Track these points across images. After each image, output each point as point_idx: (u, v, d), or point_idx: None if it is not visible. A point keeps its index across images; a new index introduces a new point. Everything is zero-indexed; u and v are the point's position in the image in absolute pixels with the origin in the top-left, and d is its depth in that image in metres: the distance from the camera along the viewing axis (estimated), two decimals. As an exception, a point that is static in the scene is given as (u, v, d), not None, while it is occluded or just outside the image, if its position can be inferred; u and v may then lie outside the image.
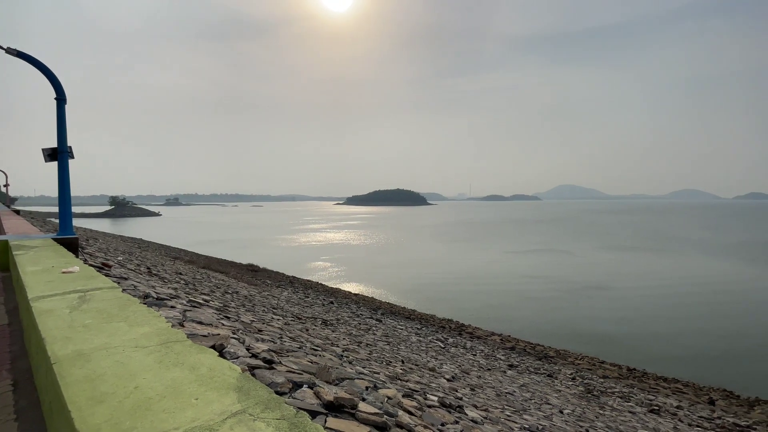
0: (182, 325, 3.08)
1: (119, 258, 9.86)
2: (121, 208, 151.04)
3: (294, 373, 2.65)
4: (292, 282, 23.86)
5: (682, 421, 8.54)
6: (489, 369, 9.97)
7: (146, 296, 4.22)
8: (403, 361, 6.99)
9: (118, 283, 4.43)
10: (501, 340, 16.53)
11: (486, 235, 73.70)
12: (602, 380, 11.80)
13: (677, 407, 9.84)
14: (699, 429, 8.15)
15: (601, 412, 7.80)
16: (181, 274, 11.45)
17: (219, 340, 2.72)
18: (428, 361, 8.28)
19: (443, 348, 11.77)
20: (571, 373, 11.94)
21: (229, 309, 5.93)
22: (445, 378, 6.58)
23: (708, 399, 11.42)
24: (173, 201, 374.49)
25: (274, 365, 2.69)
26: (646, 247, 53.09)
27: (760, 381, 13.71)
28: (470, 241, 63.10)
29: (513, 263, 40.71)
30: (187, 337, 2.35)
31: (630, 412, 8.44)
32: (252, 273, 24.04)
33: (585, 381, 11.12)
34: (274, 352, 3.19)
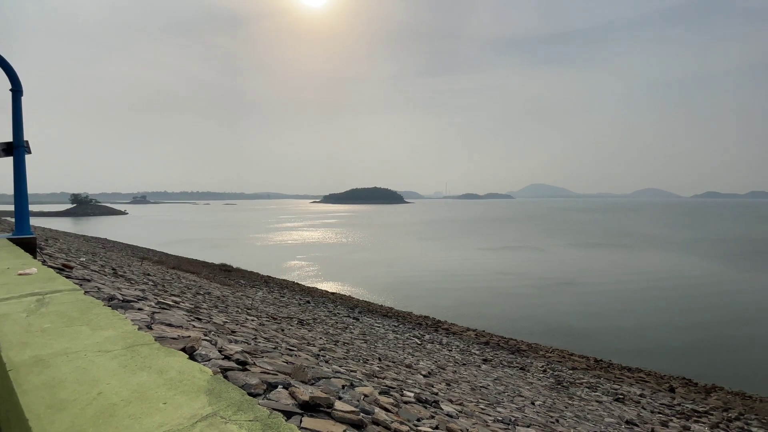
0: (150, 328, 2.97)
1: (82, 259, 9.39)
2: (83, 206, 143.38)
3: (268, 373, 2.61)
4: (267, 282, 23.45)
5: (645, 409, 8.99)
6: (464, 364, 10.15)
7: (111, 298, 4.04)
8: (380, 359, 7.01)
9: (81, 285, 4.22)
10: (476, 335, 16.87)
11: (461, 233, 74.96)
12: (571, 372, 12.26)
13: (640, 395, 10.35)
14: (660, 416, 8.60)
15: (570, 402, 8.10)
16: (149, 275, 11.03)
17: (190, 343, 2.64)
18: (405, 358, 8.34)
19: (420, 344, 11.89)
20: (542, 366, 12.34)
21: (201, 310, 5.77)
22: (421, 374, 6.65)
23: (669, 387, 12.07)
24: (140, 199, 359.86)
25: (247, 366, 2.64)
26: (613, 244, 55.46)
27: (716, 369, 14.63)
28: (446, 239, 64.00)
29: (487, 260, 41.60)
30: (155, 340, 2.28)
31: (597, 401, 8.81)
32: (225, 273, 23.45)
33: (555, 373, 11.52)
34: (248, 353, 3.13)
